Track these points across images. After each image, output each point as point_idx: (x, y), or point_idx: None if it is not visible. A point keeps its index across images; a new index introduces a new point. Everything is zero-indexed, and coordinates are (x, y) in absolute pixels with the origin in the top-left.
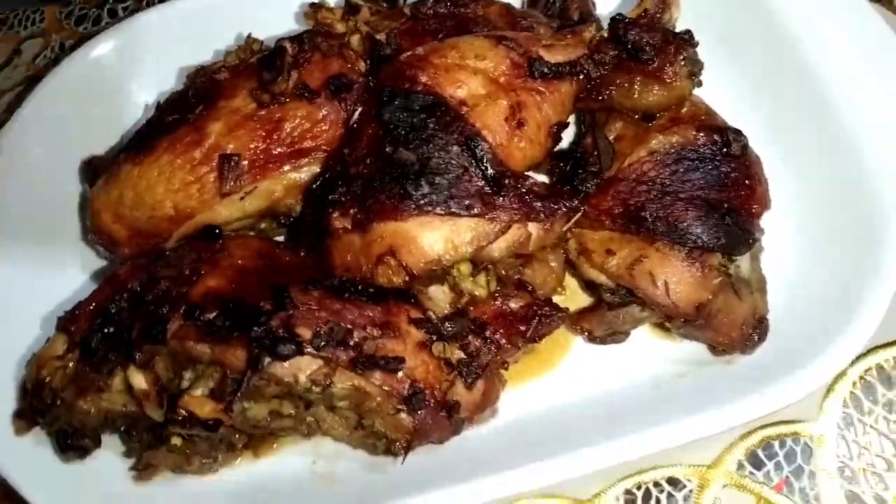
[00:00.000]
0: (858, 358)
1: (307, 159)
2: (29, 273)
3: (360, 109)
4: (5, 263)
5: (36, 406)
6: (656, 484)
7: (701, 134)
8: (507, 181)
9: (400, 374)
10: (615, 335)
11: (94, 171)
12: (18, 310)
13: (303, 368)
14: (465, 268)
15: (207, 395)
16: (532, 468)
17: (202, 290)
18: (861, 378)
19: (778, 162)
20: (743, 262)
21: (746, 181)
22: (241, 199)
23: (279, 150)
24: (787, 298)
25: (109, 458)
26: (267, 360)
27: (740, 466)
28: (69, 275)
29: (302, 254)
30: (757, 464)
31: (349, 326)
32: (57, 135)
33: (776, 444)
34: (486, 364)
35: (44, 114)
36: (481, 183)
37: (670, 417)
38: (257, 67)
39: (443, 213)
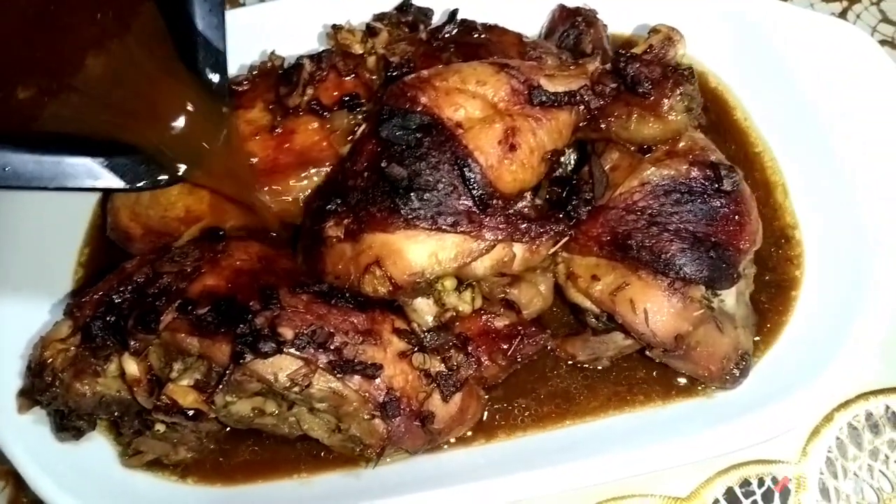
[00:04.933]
0: (847, 403)
1: (313, 170)
2: (49, 263)
3: (363, 126)
4: (28, 254)
5: (37, 385)
6: None
7: (694, 168)
8: (494, 202)
9: (378, 381)
10: (598, 361)
11: None
12: (35, 296)
13: (283, 367)
14: (450, 283)
15: (192, 386)
16: (500, 482)
17: (199, 288)
18: (849, 424)
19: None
20: (728, 297)
21: (736, 217)
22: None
23: (287, 160)
24: (774, 338)
25: (101, 441)
26: (248, 356)
27: (716, 503)
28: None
29: (299, 259)
30: (733, 502)
31: (332, 330)
32: None
33: (755, 482)
34: (465, 378)
35: None
36: (469, 202)
37: (643, 444)
38: (276, 81)
39: (429, 227)
